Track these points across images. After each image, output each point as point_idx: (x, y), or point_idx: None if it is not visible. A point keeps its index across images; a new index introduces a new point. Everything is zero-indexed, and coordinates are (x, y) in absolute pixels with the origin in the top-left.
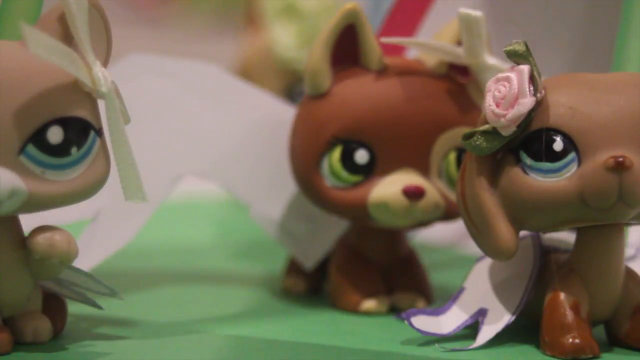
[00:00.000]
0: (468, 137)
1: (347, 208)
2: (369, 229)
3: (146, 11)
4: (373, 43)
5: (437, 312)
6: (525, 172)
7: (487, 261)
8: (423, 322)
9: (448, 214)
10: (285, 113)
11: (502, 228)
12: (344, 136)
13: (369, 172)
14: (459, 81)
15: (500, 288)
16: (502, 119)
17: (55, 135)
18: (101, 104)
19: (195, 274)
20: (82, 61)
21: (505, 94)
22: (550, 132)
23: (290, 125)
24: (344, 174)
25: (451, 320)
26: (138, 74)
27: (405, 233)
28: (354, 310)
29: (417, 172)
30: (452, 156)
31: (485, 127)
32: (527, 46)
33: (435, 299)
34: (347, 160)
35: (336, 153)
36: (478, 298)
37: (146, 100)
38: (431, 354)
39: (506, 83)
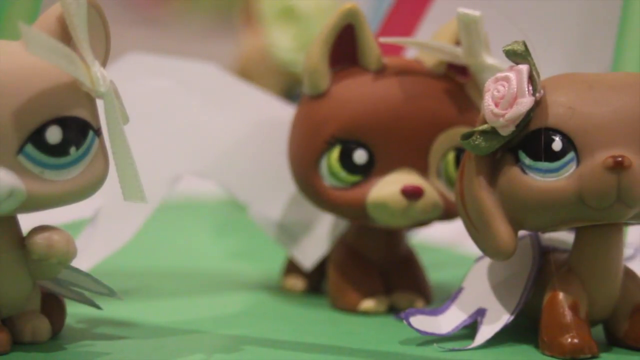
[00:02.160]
0: (467, 136)
1: (345, 208)
2: (367, 228)
3: (145, 11)
4: (372, 43)
5: (435, 312)
6: (524, 171)
7: (486, 261)
8: (422, 322)
9: (447, 214)
10: (284, 113)
11: (501, 228)
12: (343, 136)
13: (368, 172)
14: (457, 81)
15: (499, 288)
16: (501, 119)
17: (54, 135)
18: (100, 103)
19: (194, 273)
20: (80, 61)
21: (504, 93)
22: (549, 131)
23: (289, 125)
24: (343, 173)
25: (450, 320)
26: (137, 73)
27: (404, 233)
28: (353, 310)
29: (416, 172)
30: (451, 156)
31: (484, 126)
32: (526, 46)
33: (434, 299)
34: (346, 160)
35: (335, 153)
36: (477, 298)
37: (145, 100)
38: (430, 354)
39: (505, 83)
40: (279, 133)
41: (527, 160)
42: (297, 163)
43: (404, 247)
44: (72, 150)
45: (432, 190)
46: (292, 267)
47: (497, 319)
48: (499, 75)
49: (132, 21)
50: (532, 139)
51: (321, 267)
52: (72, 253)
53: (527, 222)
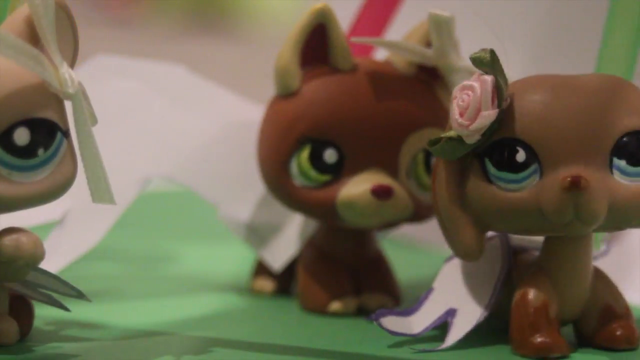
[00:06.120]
0: (434, 143)
1: (315, 208)
2: (337, 229)
3: (113, 12)
4: (343, 43)
5: (406, 313)
6: (489, 179)
7: (456, 261)
8: (393, 322)
9: (416, 215)
10: (253, 114)
11: (466, 233)
12: (313, 135)
13: (338, 171)
14: (428, 82)
15: (469, 288)
16: (466, 129)
17: (21, 136)
18: (68, 105)
19: (163, 275)
20: (48, 62)
21: (469, 103)
22: (514, 142)
23: (258, 126)
24: (313, 173)
25: (421, 320)
26: (105, 75)
27: (374, 234)
28: (322, 311)
29: (386, 172)
30: (421, 157)
31: (451, 133)
32: (493, 54)
33: (403, 299)
34: (316, 159)
35: (305, 152)
36: (447, 298)
37: (114, 101)
38: (399, 355)
39: (470, 92)
40: (248, 134)
41: (492, 169)
42: (267, 163)
43: (374, 248)
44: (40, 151)
45: (402, 190)
46: (261, 269)
47: (468, 319)
48: (465, 83)
49: (101, 22)
50: (497, 148)
51: (291, 269)
52: (39, 255)
53: (494, 227)
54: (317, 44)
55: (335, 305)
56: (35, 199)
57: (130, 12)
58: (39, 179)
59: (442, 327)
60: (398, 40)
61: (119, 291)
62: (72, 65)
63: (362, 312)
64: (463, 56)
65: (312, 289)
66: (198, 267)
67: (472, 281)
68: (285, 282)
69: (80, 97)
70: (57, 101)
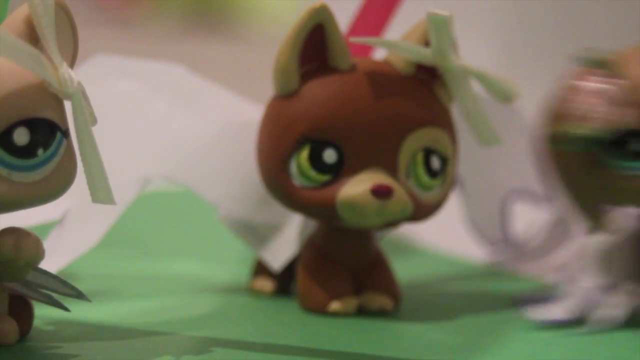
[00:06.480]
0: (557, 139)
1: (315, 208)
2: (337, 229)
3: (113, 12)
4: (342, 42)
5: (552, 300)
6: (605, 165)
7: (587, 240)
8: (542, 311)
9: (416, 215)
10: (253, 114)
11: (593, 213)
12: (313, 135)
13: (338, 171)
14: (426, 81)
15: (604, 267)
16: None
17: (21, 136)
18: (68, 105)
19: (163, 275)
20: (48, 62)
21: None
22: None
23: (257, 126)
24: (313, 173)
25: (563, 307)
26: (105, 75)
27: (374, 234)
28: (322, 311)
29: (386, 171)
30: (420, 156)
31: (576, 128)
32: (605, 56)
33: (403, 299)
34: (316, 159)
35: (305, 152)
36: (584, 279)
37: (113, 101)
38: (401, 355)
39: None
40: (248, 134)
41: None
42: (266, 163)
43: (374, 248)
44: (40, 151)
45: (402, 190)
46: (261, 269)
47: (597, 295)
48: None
49: (101, 22)
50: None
51: (290, 269)
52: (40, 255)
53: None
54: (316, 44)
55: (335, 305)
56: (35, 199)
57: (130, 12)
58: (39, 178)
59: (584, 309)
60: (397, 39)
61: (119, 291)
62: (72, 65)
63: (362, 312)
64: (461, 55)
65: (312, 289)
66: (198, 267)
67: (606, 258)
68: (285, 282)
69: (80, 97)
70: (57, 101)
